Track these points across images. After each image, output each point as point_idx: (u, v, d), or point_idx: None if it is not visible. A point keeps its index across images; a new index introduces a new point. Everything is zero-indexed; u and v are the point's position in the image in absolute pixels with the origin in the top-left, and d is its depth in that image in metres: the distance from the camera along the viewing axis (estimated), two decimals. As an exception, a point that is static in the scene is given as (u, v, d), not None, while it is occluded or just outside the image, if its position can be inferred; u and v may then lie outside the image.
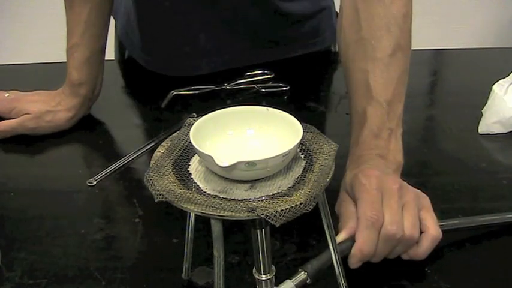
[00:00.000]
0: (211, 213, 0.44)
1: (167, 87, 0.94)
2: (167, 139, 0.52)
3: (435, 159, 0.79)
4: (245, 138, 0.51)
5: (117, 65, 1.08)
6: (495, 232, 0.66)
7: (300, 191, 0.46)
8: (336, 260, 0.54)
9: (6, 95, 0.89)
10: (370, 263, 0.61)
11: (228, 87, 0.95)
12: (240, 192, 0.46)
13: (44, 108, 0.86)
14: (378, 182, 0.60)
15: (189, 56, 0.98)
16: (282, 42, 1.00)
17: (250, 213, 0.44)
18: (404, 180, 0.62)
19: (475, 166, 0.77)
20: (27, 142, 0.85)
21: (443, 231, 0.60)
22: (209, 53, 0.98)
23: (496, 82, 0.83)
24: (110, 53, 1.08)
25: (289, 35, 1.00)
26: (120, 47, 1.09)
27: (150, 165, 0.49)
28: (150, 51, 1.00)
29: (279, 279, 0.57)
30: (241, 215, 0.44)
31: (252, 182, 0.47)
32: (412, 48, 1.08)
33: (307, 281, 0.55)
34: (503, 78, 0.83)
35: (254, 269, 0.51)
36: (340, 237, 0.58)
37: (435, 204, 0.70)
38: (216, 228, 0.46)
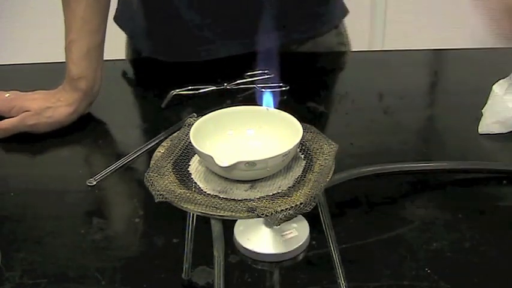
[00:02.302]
0: (211, 213, 0.44)
1: (167, 87, 0.94)
2: (167, 139, 0.52)
3: (435, 159, 0.79)
4: (245, 138, 0.51)
5: (117, 65, 1.08)
6: (495, 232, 0.66)
7: (300, 191, 0.46)
8: (336, 259, 0.54)
9: (7, 95, 0.89)
10: (370, 264, 0.61)
11: (228, 87, 0.95)
12: (240, 192, 0.46)
13: (44, 104, 0.86)
14: None
15: (198, 40, 0.98)
16: (291, 22, 1.00)
17: (250, 213, 0.44)
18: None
19: (475, 166, 0.77)
20: (27, 142, 0.85)
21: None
22: (220, 37, 0.98)
23: (496, 82, 0.83)
24: (109, 53, 1.08)
25: (298, 12, 1.00)
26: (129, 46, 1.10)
27: (150, 165, 0.49)
28: (154, 38, 1.01)
29: (280, 278, 0.57)
30: (241, 215, 0.44)
31: (252, 182, 0.47)
32: (412, 48, 1.08)
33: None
34: (503, 78, 0.83)
35: None
36: None
37: (435, 205, 0.70)
38: (216, 228, 0.46)
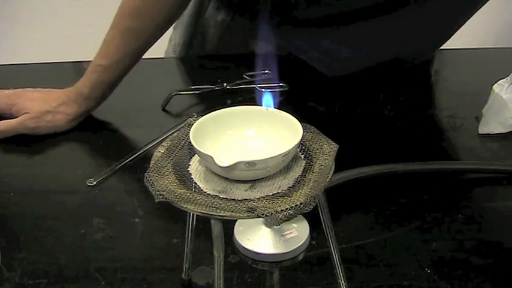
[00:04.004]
0: (211, 213, 0.44)
1: (167, 87, 0.94)
2: (167, 139, 0.52)
3: (435, 160, 0.79)
4: (245, 138, 0.51)
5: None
6: (495, 232, 0.66)
7: (300, 191, 0.46)
8: (336, 260, 0.54)
9: (6, 91, 0.89)
10: (370, 264, 0.61)
11: (228, 87, 0.95)
12: (240, 192, 0.46)
13: (44, 108, 0.86)
14: None
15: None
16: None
17: (250, 213, 0.44)
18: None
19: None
20: (26, 142, 0.85)
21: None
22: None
23: (496, 82, 0.83)
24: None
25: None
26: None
27: (150, 165, 0.49)
28: None
29: (280, 278, 0.57)
30: (241, 215, 0.44)
31: (252, 182, 0.47)
32: (412, 48, 1.07)
33: None
34: (503, 78, 0.83)
35: None
36: None
37: (435, 205, 0.70)
38: (216, 228, 0.46)
